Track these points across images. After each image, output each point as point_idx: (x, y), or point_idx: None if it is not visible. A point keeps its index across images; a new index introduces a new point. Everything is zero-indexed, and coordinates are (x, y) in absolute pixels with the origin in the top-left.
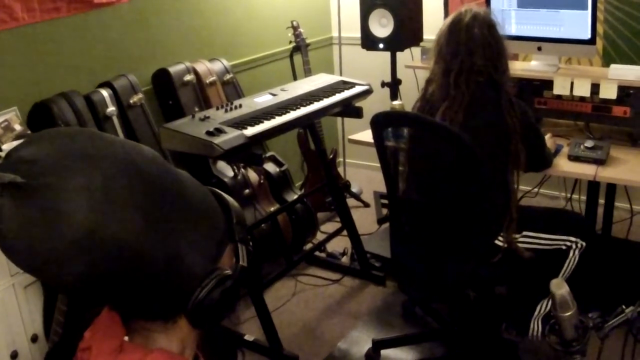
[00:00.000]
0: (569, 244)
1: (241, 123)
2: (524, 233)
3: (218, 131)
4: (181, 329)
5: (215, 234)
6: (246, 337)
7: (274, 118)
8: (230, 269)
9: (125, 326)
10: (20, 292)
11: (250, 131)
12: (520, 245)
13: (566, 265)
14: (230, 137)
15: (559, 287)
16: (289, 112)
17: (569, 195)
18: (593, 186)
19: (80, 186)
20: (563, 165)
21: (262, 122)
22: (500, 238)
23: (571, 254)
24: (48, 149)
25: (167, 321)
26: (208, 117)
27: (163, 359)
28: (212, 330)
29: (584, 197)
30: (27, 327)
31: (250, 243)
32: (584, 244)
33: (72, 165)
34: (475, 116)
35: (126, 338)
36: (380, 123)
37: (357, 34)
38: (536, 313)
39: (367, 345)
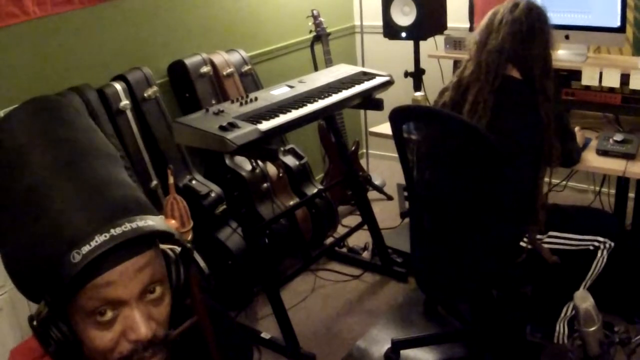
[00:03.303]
0: (596, 244)
1: (256, 117)
2: (550, 233)
3: (231, 126)
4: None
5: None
6: (263, 335)
7: (290, 112)
8: None
9: None
10: None
11: (265, 125)
12: (546, 245)
13: (594, 266)
14: (244, 132)
15: (583, 300)
16: (305, 105)
17: (597, 188)
18: (623, 182)
19: None
20: (591, 160)
21: (278, 116)
22: (525, 239)
23: (599, 254)
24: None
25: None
26: (222, 111)
27: None
28: (226, 327)
29: (613, 191)
30: None
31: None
32: (612, 244)
33: None
34: (506, 101)
35: None
36: (397, 118)
37: (379, 22)
38: (562, 315)
39: (386, 344)
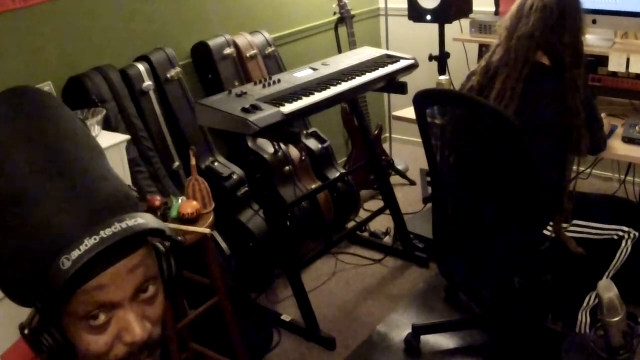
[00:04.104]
0: (621, 234)
1: (279, 100)
2: (574, 222)
3: (254, 108)
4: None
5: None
6: (283, 317)
7: (313, 95)
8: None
9: None
10: None
11: (288, 108)
12: (570, 234)
13: (618, 256)
14: (266, 114)
15: (607, 290)
16: (329, 88)
17: (622, 177)
18: None
19: None
20: (617, 147)
21: (301, 98)
22: (549, 228)
23: (623, 244)
24: None
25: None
26: (245, 93)
27: None
28: (247, 309)
29: (638, 180)
30: None
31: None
32: (637, 234)
33: None
34: (535, 89)
35: None
36: (421, 101)
37: (404, 5)
38: (584, 305)
39: (407, 329)
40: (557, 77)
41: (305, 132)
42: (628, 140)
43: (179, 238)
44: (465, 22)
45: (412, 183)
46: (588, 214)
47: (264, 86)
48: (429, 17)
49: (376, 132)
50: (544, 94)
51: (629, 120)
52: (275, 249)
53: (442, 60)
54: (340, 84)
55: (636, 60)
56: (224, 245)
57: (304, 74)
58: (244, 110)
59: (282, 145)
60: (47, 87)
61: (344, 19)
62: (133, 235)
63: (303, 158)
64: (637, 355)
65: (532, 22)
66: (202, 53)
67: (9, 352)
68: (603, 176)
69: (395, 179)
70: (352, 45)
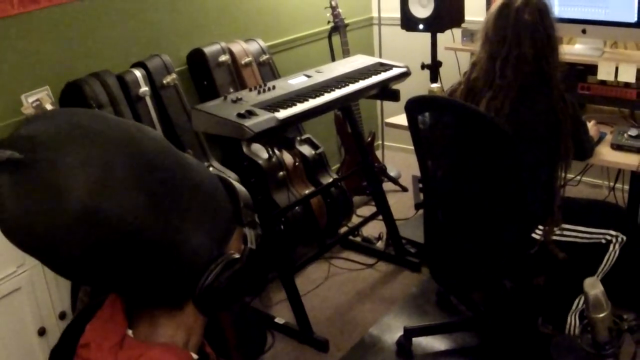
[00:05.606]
0: (609, 237)
1: (273, 105)
2: (563, 226)
3: (249, 113)
4: (188, 315)
5: (222, 216)
6: (277, 320)
7: (307, 101)
8: (239, 253)
9: (130, 314)
10: (48, 269)
11: (283, 114)
12: (558, 238)
13: (605, 259)
14: (261, 119)
15: (593, 287)
16: (323, 94)
17: (611, 184)
18: (636, 176)
19: (80, 162)
20: (605, 154)
21: (295, 104)
22: (538, 232)
23: (611, 248)
24: (47, 126)
25: (173, 308)
26: (240, 99)
27: (162, 354)
28: (242, 312)
29: (627, 187)
30: (55, 304)
31: (258, 226)
32: (624, 238)
33: (71, 140)
34: (523, 109)
35: (130, 331)
36: (413, 108)
37: (397, 14)
38: (573, 308)
39: (399, 332)
40: (545, 92)
41: (298, 138)
42: (617, 147)
43: None
44: (457, 31)
45: (404, 189)
46: (576, 217)
47: (259, 92)
48: (421, 26)
49: (369, 139)
50: (533, 110)
51: (617, 128)
52: (269, 252)
53: (434, 68)
54: (333, 90)
55: (625, 69)
56: None
57: (298, 81)
58: (240, 115)
59: (276, 151)
60: (44, 91)
61: (338, 27)
62: None
63: (297, 164)
64: (623, 351)
65: (522, 47)
66: (197, 60)
67: (94, 330)
68: (592, 183)
69: (387, 186)
70: (346, 54)
